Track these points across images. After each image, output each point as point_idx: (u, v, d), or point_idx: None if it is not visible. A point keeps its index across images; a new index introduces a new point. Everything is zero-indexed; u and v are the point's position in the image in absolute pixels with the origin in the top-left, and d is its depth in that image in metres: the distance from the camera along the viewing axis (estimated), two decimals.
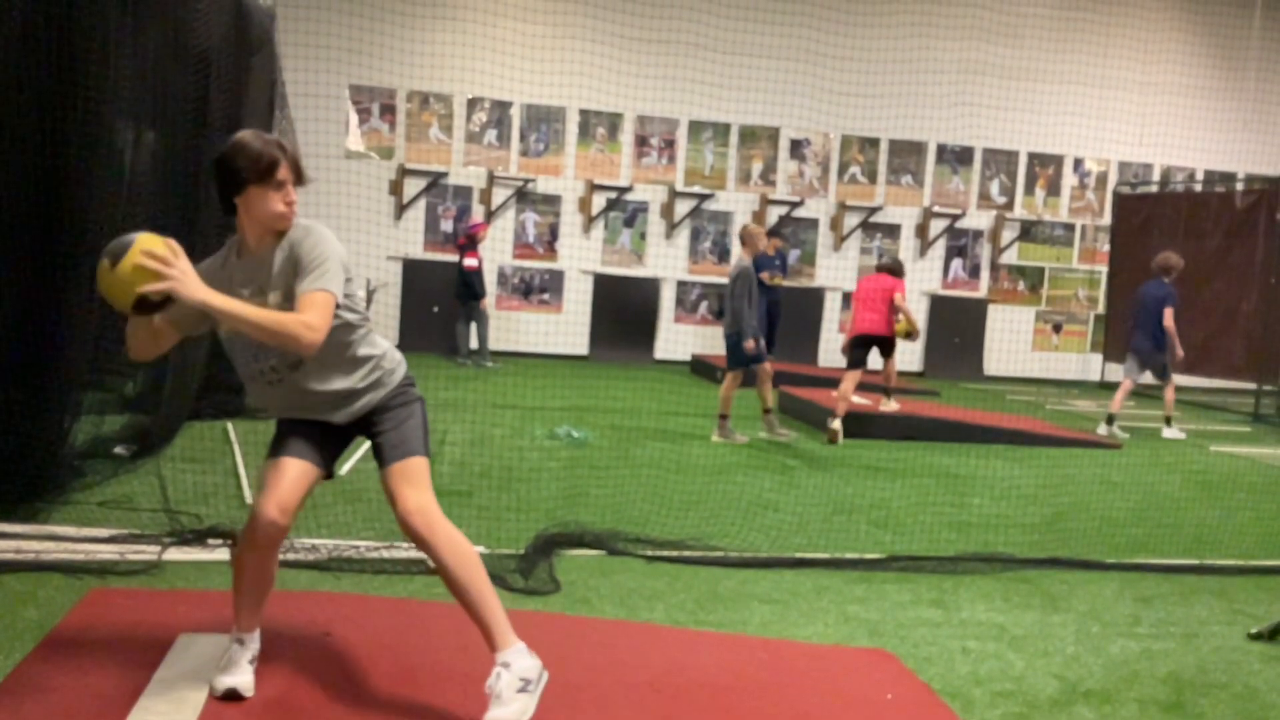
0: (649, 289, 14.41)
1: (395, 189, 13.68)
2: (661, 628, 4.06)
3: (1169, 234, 14.05)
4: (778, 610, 4.41)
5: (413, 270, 13.69)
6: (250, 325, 2.76)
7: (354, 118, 13.58)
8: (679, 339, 14.48)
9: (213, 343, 7.79)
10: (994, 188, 15.46)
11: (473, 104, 13.82)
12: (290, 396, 3.04)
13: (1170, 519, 6.72)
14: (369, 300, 9.97)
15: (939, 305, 15.23)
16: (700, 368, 13.52)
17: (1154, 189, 15.38)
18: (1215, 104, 15.77)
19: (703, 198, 14.44)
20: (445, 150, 13.82)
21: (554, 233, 14.17)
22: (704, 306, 14.66)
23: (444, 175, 13.79)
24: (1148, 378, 10.61)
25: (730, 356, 8.66)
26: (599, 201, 14.16)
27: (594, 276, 14.21)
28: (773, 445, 8.56)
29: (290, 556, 4.54)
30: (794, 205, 14.69)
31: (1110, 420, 10.26)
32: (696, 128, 14.41)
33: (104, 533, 4.63)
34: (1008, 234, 15.49)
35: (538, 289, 14.21)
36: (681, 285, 14.55)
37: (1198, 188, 15.17)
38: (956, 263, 15.43)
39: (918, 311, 9.49)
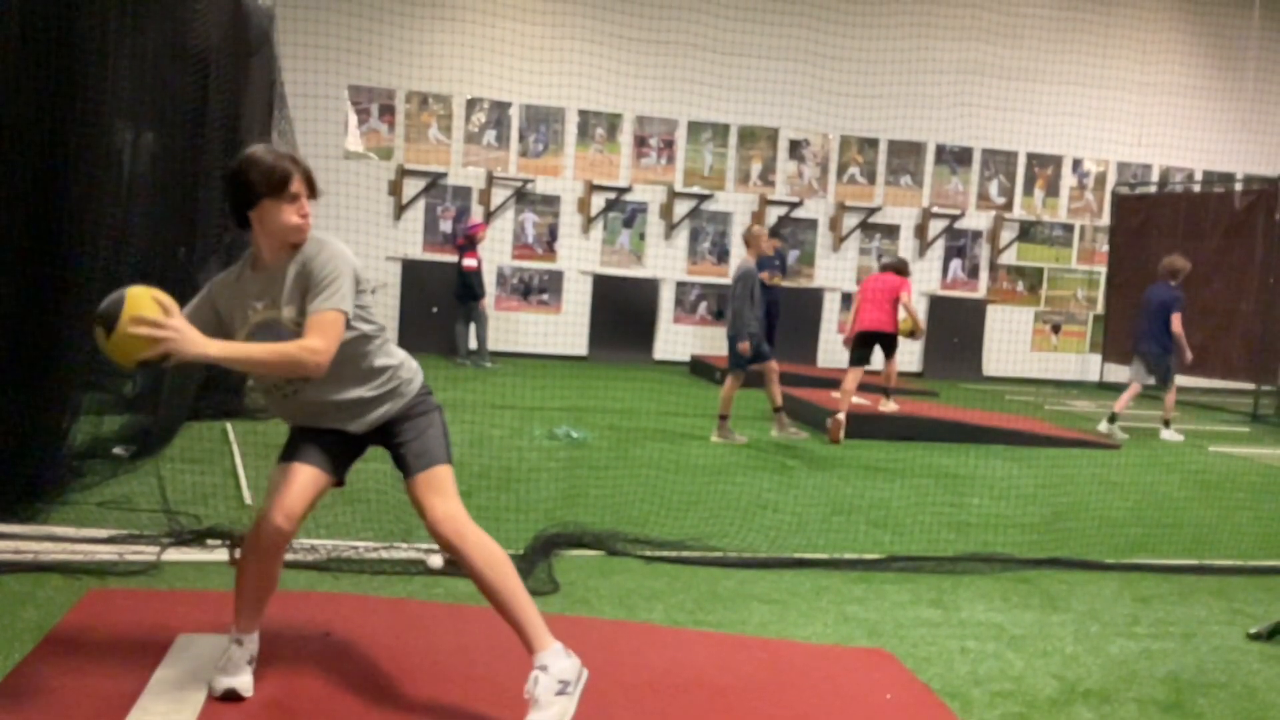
0: (648, 289, 14.41)
1: (394, 189, 13.68)
2: (660, 628, 4.06)
3: (1168, 234, 14.06)
4: (777, 610, 4.41)
5: (412, 271, 13.69)
6: (255, 365, 2.82)
7: (353, 118, 13.58)
8: (678, 339, 14.48)
9: None
10: (993, 188, 15.46)
11: (472, 104, 13.82)
12: (307, 408, 3.04)
13: (1169, 519, 6.72)
14: None
15: (938, 306, 15.23)
16: (699, 368, 13.52)
17: (1153, 189, 15.39)
18: (1214, 104, 15.78)
19: (702, 198, 14.44)
20: (444, 151, 13.82)
21: (553, 233, 14.17)
22: (703, 307, 14.66)
23: (443, 176, 13.79)
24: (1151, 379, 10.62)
25: (732, 357, 8.66)
26: (598, 202, 14.16)
27: (593, 277, 14.21)
28: (772, 446, 8.56)
29: (289, 557, 4.53)
30: (793, 206, 14.69)
31: (1113, 419, 10.27)
32: (695, 128, 14.41)
33: (103, 533, 4.62)
34: (1007, 234, 15.50)
35: (537, 289, 14.21)
36: (680, 286, 14.55)
37: (1196, 188, 15.17)
38: (955, 263, 15.44)
39: (917, 312, 9.53)
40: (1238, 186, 14.11)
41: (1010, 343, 15.23)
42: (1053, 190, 15.66)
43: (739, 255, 14.30)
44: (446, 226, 13.82)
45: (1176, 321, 10.20)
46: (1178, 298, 10.27)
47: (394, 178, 13.66)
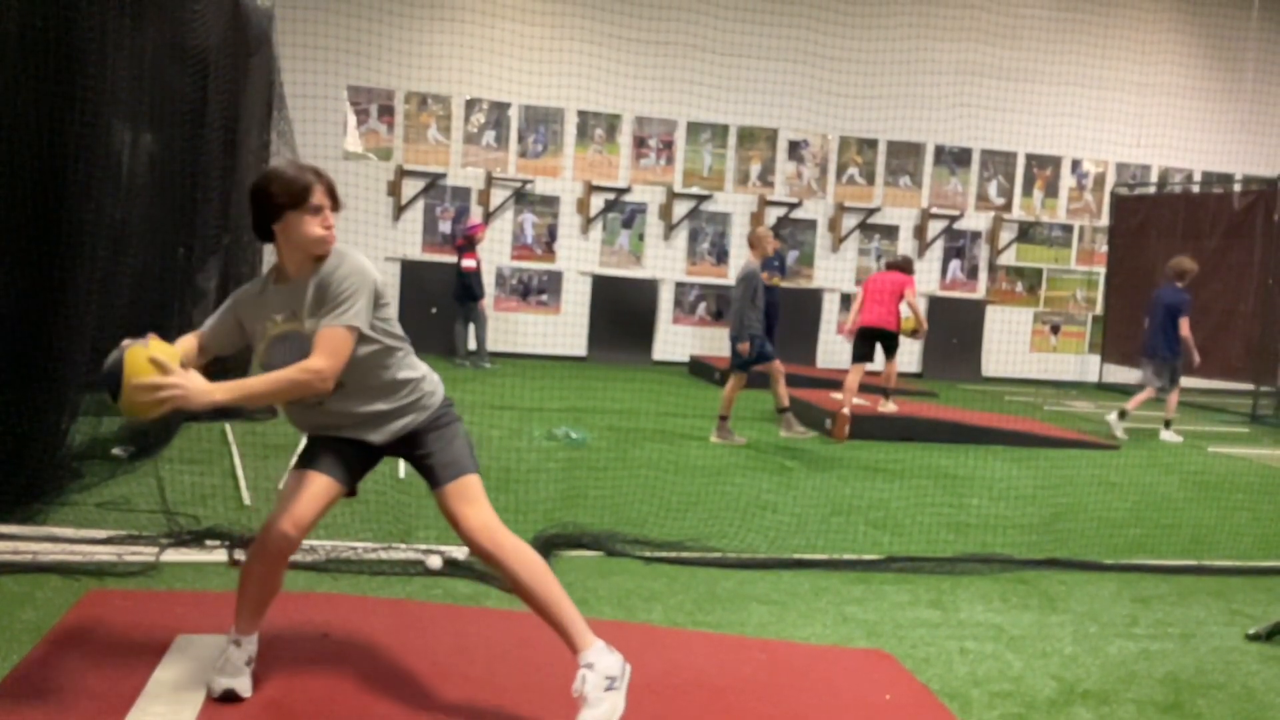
0: (647, 290, 14.42)
1: (393, 190, 13.68)
2: (660, 629, 4.06)
3: (1167, 235, 14.07)
4: (776, 611, 4.41)
5: (411, 271, 13.68)
6: (261, 398, 2.84)
7: (352, 119, 13.58)
8: (677, 340, 14.48)
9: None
10: (992, 189, 15.47)
11: (471, 105, 13.82)
12: (330, 418, 3.04)
13: (1168, 520, 6.72)
14: None
15: (937, 306, 15.23)
16: (698, 369, 13.52)
17: (1152, 190, 15.40)
18: (1213, 105, 15.79)
19: (701, 199, 14.44)
20: (443, 151, 13.82)
21: (552, 234, 14.17)
22: (702, 307, 14.66)
23: (442, 176, 13.79)
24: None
25: (734, 358, 8.65)
26: (597, 203, 14.16)
27: (592, 278, 14.21)
28: (771, 446, 8.56)
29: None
30: (792, 206, 14.69)
31: (1122, 415, 10.31)
32: (695, 129, 14.41)
33: (102, 534, 4.62)
34: (1006, 235, 15.50)
35: (536, 290, 14.21)
36: (680, 286, 14.55)
37: (1195, 189, 15.18)
38: (954, 264, 15.44)
39: (921, 311, 9.57)
40: (1236, 187, 14.12)
41: (1009, 343, 15.24)
42: (1052, 191, 15.67)
43: (738, 256, 14.32)
44: (445, 227, 13.82)
45: (1185, 325, 10.21)
46: (1185, 300, 10.27)
47: (393, 178, 13.66)
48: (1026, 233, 15.55)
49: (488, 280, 13.54)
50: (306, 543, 4.73)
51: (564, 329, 14.01)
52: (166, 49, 6.35)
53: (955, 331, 15.26)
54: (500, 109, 13.86)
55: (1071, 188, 15.72)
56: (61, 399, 5.13)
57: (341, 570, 4.47)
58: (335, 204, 2.95)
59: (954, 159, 15.26)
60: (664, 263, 14.43)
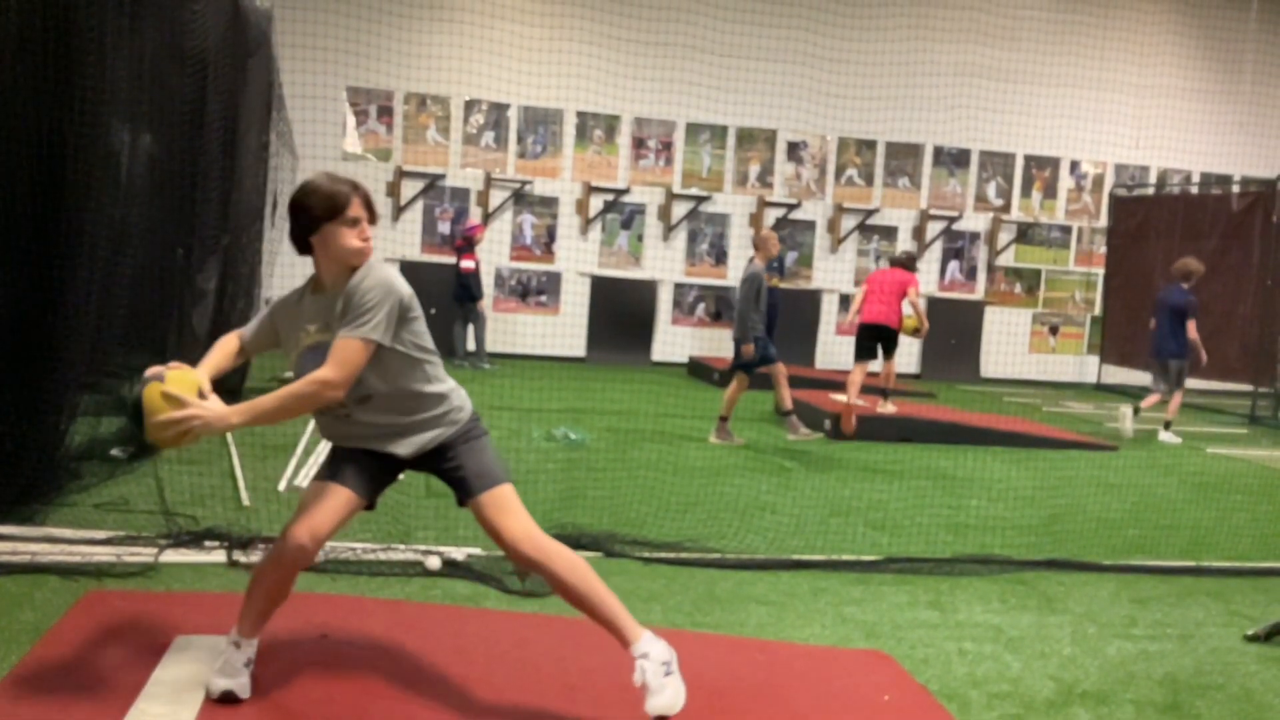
0: (646, 291, 14.42)
1: (392, 191, 13.68)
2: (658, 629, 4.05)
3: (1165, 236, 14.07)
4: (775, 612, 4.41)
5: (410, 272, 13.63)
6: (274, 415, 2.88)
7: (351, 119, 13.58)
8: (676, 341, 14.48)
9: (210, 344, 7.80)
10: (991, 190, 15.47)
11: (470, 106, 13.82)
12: (358, 429, 3.05)
13: (1167, 521, 6.73)
14: None
15: (936, 307, 15.23)
16: (697, 369, 13.52)
17: (1150, 191, 15.40)
18: (1211, 106, 15.79)
19: (700, 200, 14.44)
20: (442, 152, 13.82)
21: (551, 235, 14.17)
22: (701, 308, 14.66)
23: (441, 177, 13.79)
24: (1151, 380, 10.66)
25: (736, 359, 8.63)
26: (596, 203, 14.17)
27: (591, 278, 14.21)
28: (770, 447, 8.56)
29: None
30: (791, 207, 14.70)
31: (1136, 411, 10.34)
32: (694, 130, 14.41)
33: (100, 535, 4.62)
34: (1004, 236, 15.51)
35: (535, 291, 14.21)
36: (679, 287, 14.55)
37: (1194, 190, 15.19)
38: (953, 265, 15.45)
39: (923, 310, 9.59)
40: (1235, 188, 14.13)
41: (1008, 344, 15.25)
42: (1050, 192, 15.68)
43: (737, 257, 14.33)
44: (445, 228, 13.82)
45: (1192, 328, 10.23)
46: (1192, 302, 10.28)
47: (392, 179, 13.65)
48: (1025, 234, 15.56)
49: (487, 281, 13.54)
50: None
51: (563, 330, 14.00)
52: (165, 50, 6.35)
53: (954, 332, 15.27)
54: (499, 110, 13.86)
55: (1070, 189, 15.72)
56: (60, 400, 5.13)
57: (340, 571, 4.47)
58: (372, 216, 3.00)
59: (953, 160, 15.27)
60: (663, 263, 14.43)
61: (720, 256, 14.61)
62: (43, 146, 4.78)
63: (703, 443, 8.52)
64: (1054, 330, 15.86)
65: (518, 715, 3.15)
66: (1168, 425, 10.49)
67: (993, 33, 14.81)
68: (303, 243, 2.99)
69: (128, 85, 5.63)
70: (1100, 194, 15.72)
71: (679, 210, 14.40)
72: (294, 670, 3.27)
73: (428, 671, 3.37)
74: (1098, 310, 15.63)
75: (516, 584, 4.43)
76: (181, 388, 2.81)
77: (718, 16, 13.76)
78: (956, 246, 15.43)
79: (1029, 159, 15.50)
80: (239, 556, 4.50)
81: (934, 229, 15.24)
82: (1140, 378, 14.46)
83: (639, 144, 14.31)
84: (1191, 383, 10.94)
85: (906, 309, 9.60)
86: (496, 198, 13.94)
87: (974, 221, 15.44)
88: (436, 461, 3.11)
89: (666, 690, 3.01)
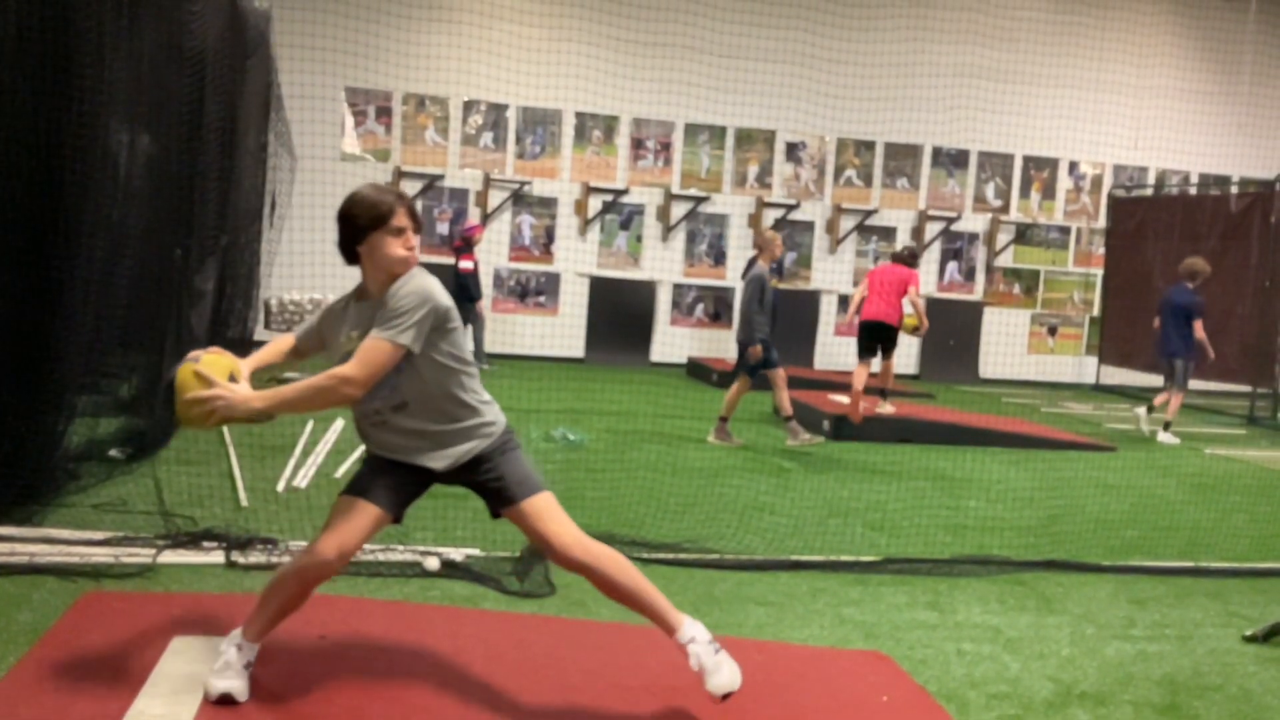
0: (645, 291, 14.42)
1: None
2: (657, 630, 4.05)
3: (1164, 237, 14.09)
4: (773, 612, 4.41)
5: None
6: (294, 405, 2.91)
7: (350, 120, 13.58)
8: (675, 341, 14.48)
9: (208, 344, 7.79)
10: (989, 191, 15.48)
11: (469, 106, 13.82)
12: (395, 438, 3.07)
13: (1165, 521, 6.73)
14: None
15: (934, 308, 15.21)
16: (696, 370, 13.52)
17: (1149, 192, 15.41)
18: (1210, 107, 15.81)
19: (699, 200, 14.44)
20: (441, 153, 13.82)
21: (550, 235, 14.17)
22: (700, 309, 14.66)
23: (440, 178, 13.78)
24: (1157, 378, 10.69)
25: (740, 361, 8.61)
26: (595, 204, 14.16)
27: (590, 279, 14.21)
28: (769, 448, 8.55)
29: (285, 559, 4.53)
30: (790, 208, 14.70)
31: (1150, 410, 10.45)
32: (692, 130, 14.41)
33: (99, 535, 4.62)
34: (1003, 237, 15.51)
35: (534, 291, 14.20)
36: (678, 288, 14.55)
37: (1192, 191, 15.20)
38: (952, 265, 15.45)
39: (923, 309, 9.60)
40: (1233, 189, 14.14)
41: (1007, 345, 15.25)
42: (1049, 193, 15.68)
43: (736, 257, 14.33)
44: (443, 228, 13.82)
45: (1199, 328, 10.24)
46: (1198, 302, 10.28)
47: (391, 179, 13.65)
48: (1024, 234, 15.56)
49: (485, 282, 13.53)
50: (303, 543, 4.73)
51: (562, 330, 14.00)
52: (164, 50, 6.35)
53: (953, 333, 15.27)
54: (498, 110, 13.86)
55: (1069, 189, 15.73)
56: (58, 400, 5.13)
57: (339, 571, 4.46)
58: (417, 225, 3.05)
59: (951, 161, 15.28)
60: (662, 264, 14.43)
61: (719, 257, 14.61)
62: (41, 147, 4.78)
63: (702, 443, 8.52)
64: (1052, 331, 15.86)
65: (516, 716, 3.14)
66: (1167, 426, 10.50)
67: (991, 34, 14.82)
68: (350, 251, 3.06)
69: (126, 86, 5.63)
70: (1099, 195, 15.73)
71: (678, 211, 14.40)
72: (292, 671, 3.27)
73: (426, 672, 3.37)
74: (1096, 311, 15.63)
75: (515, 585, 4.43)
76: (213, 369, 2.88)
77: (716, 17, 13.76)
78: (955, 247, 15.43)
79: (1028, 160, 15.51)
80: (237, 557, 4.50)
81: (933, 230, 15.24)
82: (1138, 378, 14.48)
83: (638, 144, 14.31)
84: (1191, 383, 10.95)
85: (907, 307, 9.59)
86: (495, 198, 13.93)
87: (973, 222, 15.44)
88: (472, 473, 3.12)
89: (723, 667, 3.10)
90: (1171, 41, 15.61)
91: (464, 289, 12.62)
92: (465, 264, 12.64)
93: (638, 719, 3.21)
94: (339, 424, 7.96)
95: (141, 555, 4.41)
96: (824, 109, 14.07)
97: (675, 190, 14.39)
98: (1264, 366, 12.72)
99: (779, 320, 13.39)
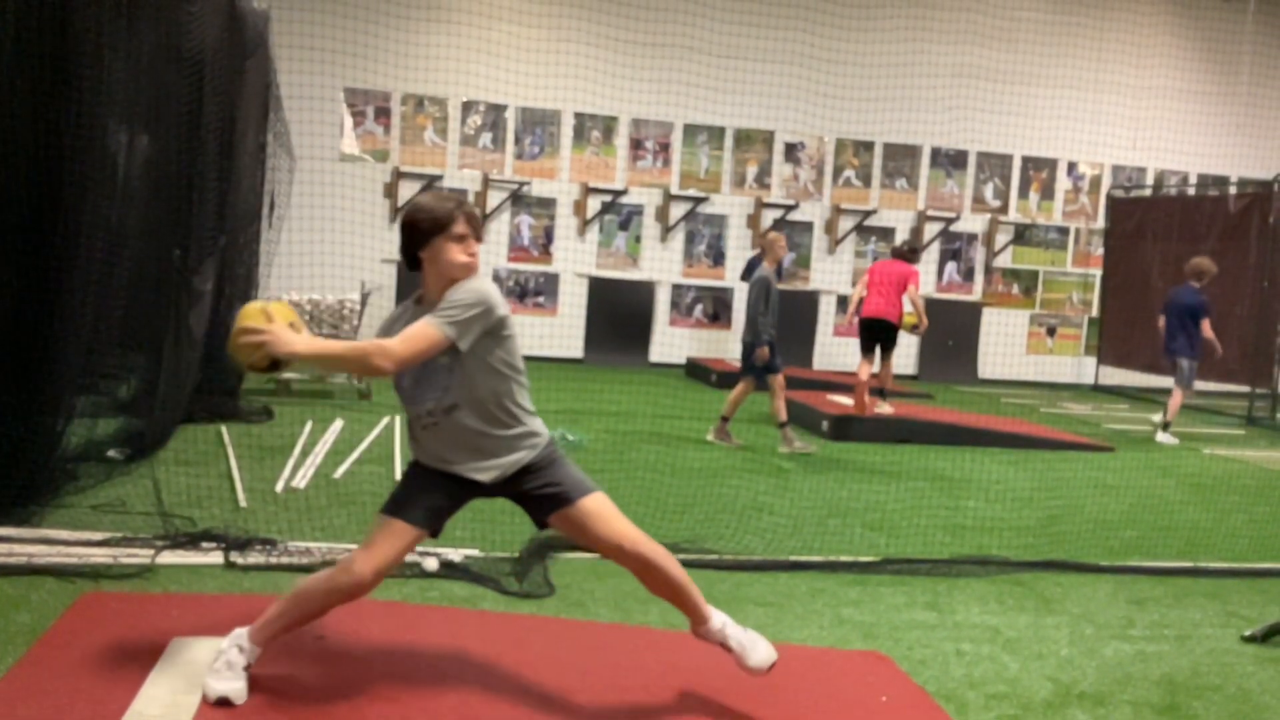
0: (644, 292, 14.41)
1: (390, 192, 13.67)
2: (656, 630, 4.06)
3: (1163, 238, 14.09)
4: (772, 613, 4.41)
5: (407, 273, 13.63)
6: (331, 360, 3.01)
7: (349, 121, 13.57)
8: (674, 342, 14.47)
9: (207, 345, 7.79)
10: (988, 191, 15.49)
11: (468, 107, 13.82)
12: (444, 445, 3.08)
13: (1164, 521, 6.73)
14: (363, 304, 9.94)
15: (933, 308, 15.17)
16: (695, 371, 13.52)
17: (1148, 193, 15.42)
18: (1208, 108, 15.81)
19: (698, 201, 14.44)
20: (440, 153, 13.82)
21: (549, 236, 14.17)
22: (699, 309, 14.66)
23: (439, 178, 13.78)
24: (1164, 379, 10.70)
25: (745, 363, 8.60)
26: (594, 205, 14.16)
27: (589, 279, 14.21)
28: (768, 449, 8.55)
29: (284, 560, 4.54)
30: (789, 209, 14.70)
31: (1164, 425, 10.46)
32: (691, 131, 14.41)
33: (97, 536, 4.61)
34: (1002, 237, 15.52)
35: (532, 292, 14.20)
36: (677, 288, 14.55)
37: (1191, 191, 15.20)
38: (951, 266, 15.46)
39: (923, 306, 9.59)
40: (1232, 190, 14.14)
41: (1005, 345, 15.25)
42: (1048, 193, 15.69)
43: (734, 258, 14.32)
44: None
45: (1207, 327, 10.25)
46: (1204, 302, 10.28)
47: (389, 180, 13.65)
48: (1023, 235, 15.57)
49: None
50: (302, 544, 4.73)
51: (560, 331, 14.00)
52: (162, 51, 6.35)
53: (951, 333, 15.28)
54: (497, 111, 13.86)
55: (1067, 190, 15.74)
56: (57, 401, 5.13)
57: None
58: (478, 234, 3.12)
59: (950, 161, 15.28)
60: (661, 265, 14.43)
61: (718, 258, 14.61)
62: (40, 148, 4.78)
63: (701, 444, 8.52)
64: (1051, 331, 15.87)
65: (515, 716, 3.14)
66: (1166, 426, 10.50)
67: (990, 34, 14.83)
68: (412, 257, 3.12)
69: (125, 86, 5.62)
70: (1097, 195, 15.73)
71: (677, 211, 14.41)
72: (291, 672, 3.26)
73: (425, 673, 3.37)
74: (1095, 311, 15.64)
75: (514, 586, 4.43)
76: (277, 311, 2.97)
77: (715, 18, 13.76)
78: (954, 248, 15.44)
79: (1026, 160, 15.51)
80: (236, 558, 4.49)
81: (932, 230, 15.25)
82: (1137, 378, 14.48)
83: (636, 145, 14.31)
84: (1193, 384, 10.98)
85: (907, 304, 9.58)
86: (494, 199, 13.93)
87: (971, 223, 15.45)
88: (520, 483, 3.14)
89: (759, 644, 3.25)
90: (1170, 42, 15.62)
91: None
92: None
93: (637, 719, 3.21)
94: (338, 424, 7.96)
95: (140, 556, 4.41)
96: (823, 109, 14.08)
97: (674, 191, 14.39)
98: (1263, 367, 12.73)
99: (779, 321, 13.42)
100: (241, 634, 3.08)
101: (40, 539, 4.52)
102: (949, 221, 15.28)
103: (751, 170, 14.68)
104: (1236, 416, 12.82)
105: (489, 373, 3.05)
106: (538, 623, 4.00)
